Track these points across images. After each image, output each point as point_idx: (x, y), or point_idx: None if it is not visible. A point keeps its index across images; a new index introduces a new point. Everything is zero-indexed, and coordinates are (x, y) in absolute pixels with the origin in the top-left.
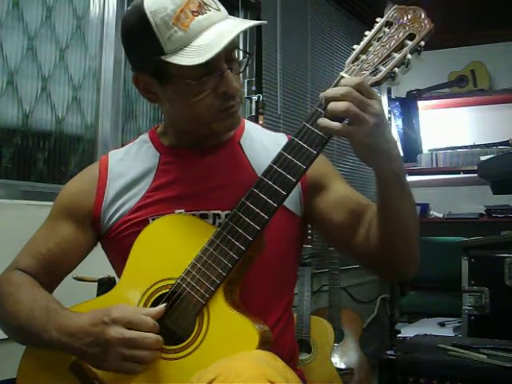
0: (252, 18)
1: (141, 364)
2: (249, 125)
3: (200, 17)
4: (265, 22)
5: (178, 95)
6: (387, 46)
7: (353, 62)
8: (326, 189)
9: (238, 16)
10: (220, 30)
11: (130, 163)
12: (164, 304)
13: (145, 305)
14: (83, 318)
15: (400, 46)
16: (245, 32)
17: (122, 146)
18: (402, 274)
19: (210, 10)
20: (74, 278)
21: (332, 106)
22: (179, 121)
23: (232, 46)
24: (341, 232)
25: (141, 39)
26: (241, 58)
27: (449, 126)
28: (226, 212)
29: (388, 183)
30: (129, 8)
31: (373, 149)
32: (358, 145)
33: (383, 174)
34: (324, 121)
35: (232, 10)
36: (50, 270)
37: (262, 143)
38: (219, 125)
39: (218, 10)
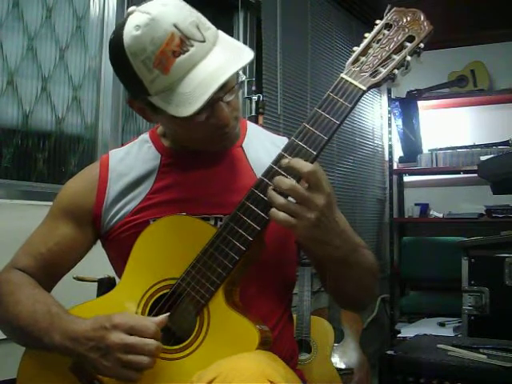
0: (252, 18)
1: (139, 371)
2: (251, 127)
3: (181, 57)
4: (251, 58)
5: (170, 125)
6: (387, 47)
7: (353, 64)
8: None
9: (238, 16)
10: (204, 75)
11: (130, 163)
12: (167, 314)
13: (145, 305)
14: (86, 323)
15: (399, 48)
16: (244, 32)
17: (122, 145)
18: (354, 310)
19: (192, 46)
20: (74, 278)
21: (273, 196)
22: (176, 138)
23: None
24: (314, 261)
25: (126, 77)
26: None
27: (449, 126)
28: (228, 216)
29: (332, 265)
30: (111, 36)
31: (313, 240)
32: (296, 235)
33: (327, 259)
34: (271, 193)
35: (232, 10)
36: (49, 270)
37: (264, 147)
38: (214, 146)
39: (203, 40)
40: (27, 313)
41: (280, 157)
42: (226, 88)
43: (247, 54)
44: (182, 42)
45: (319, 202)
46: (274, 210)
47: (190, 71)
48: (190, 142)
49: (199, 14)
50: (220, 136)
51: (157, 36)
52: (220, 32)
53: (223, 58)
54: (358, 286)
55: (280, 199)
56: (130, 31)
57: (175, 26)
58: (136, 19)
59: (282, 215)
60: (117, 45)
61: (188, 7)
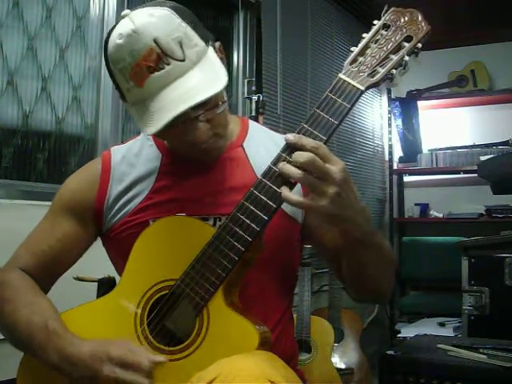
0: (252, 18)
1: None
2: (253, 127)
3: (156, 74)
4: (220, 88)
5: None
6: (385, 48)
7: (351, 64)
8: None
9: (238, 16)
10: (171, 97)
11: (132, 161)
12: (165, 357)
13: (144, 306)
14: (84, 349)
15: (397, 48)
16: (244, 33)
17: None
18: (373, 302)
19: (169, 64)
20: (74, 278)
21: (287, 169)
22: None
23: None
24: (328, 252)
25: (112, 80)
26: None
27: (449, 126)
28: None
29: (352, 247)
30: (105, 37)
31: (333, 216)
32: (316, 212)
33: (345, 236)
34: (285, 167)
35: (232, 10)
36: (50, 267)
37: (265, 146)
38: (201, 156)
39: (182, 59)
40: (24, 324)
41: (279, 157)
42: (207, 105)
43: (219, 84)
44: (159, 58)
45: (337, 175)
46: (287, 192)
47: (163, 89)
48: (176, 150)
49: (188, 29)
50: (198, 151)
51: (136, 48)
52: (209, 50)
53: (196, 82)
54: (378, 270)
55: (297, 172)
56: (114, 38)
57: (155, 40)
58: (122, 27)
59: (295, 198)
60: (104, 48)
61: (177, 21)
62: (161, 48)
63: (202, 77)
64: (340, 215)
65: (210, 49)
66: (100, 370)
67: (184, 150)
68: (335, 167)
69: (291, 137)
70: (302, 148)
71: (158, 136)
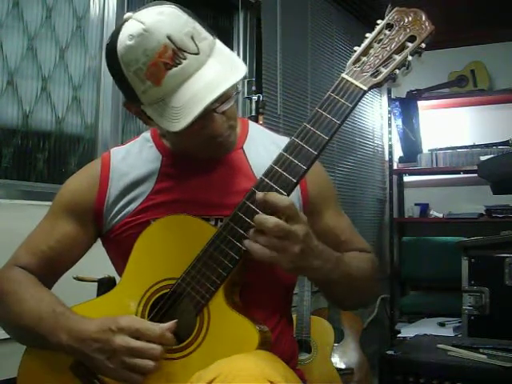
0: (252, 18)
1: (143, 374)
2: (253, 128)
3: (174, 70)
4: (242, 75)
5: (165, 132)
6: (388, 47)
7: (354, 64)
8: (320, 214)
9: (238, 16)
10: (194, 90)
11: (132, 163)
12: (175, 320)
13: (145, 305)
14: (93, 324)
15: (401, 48)
16: (244, 33)
17: (123, 144)
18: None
19: (185, 58)
20: (74, 278)
21: (255, 236)
22: (174, 143)
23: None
24: None
25: (120, 84)
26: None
27: (449, 126)
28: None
29: (319, 285)
30: (107, 41)
31: (298, 269)
32: (282, 268)
33: (314, 281)
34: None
35: (232, 10)
36: (50, 267)
37: (265, 148)
38: (209, 154)
39: (197, 53)
40: (31, 312)
41: (280, 157)
42: (221, 98)
43: (240, 70)
44: (174, 54)
45: (301, 233)
46: (256, 247)
47: (182, 84)
48: (186, 148)
49: (196, 24)
50: (214, 145)
51: (150, 47)
52: (217, 42)
53: (216, 72)
54: (351, 294)
55: (264, 238)
56: (123, 40)
57: (169, 37)
58: (130, 28)
59: (267, 252)
60: (111, 52)
61: (185, 16)
62: (175, 44)
63: (219, 67)
64: (306, 267)
65: (217, 40)
66: (111, 340)
67: (197, 146)
68: (298, 225)
69: (260, 195)
70: (272, 209)
71: (179, 133)
